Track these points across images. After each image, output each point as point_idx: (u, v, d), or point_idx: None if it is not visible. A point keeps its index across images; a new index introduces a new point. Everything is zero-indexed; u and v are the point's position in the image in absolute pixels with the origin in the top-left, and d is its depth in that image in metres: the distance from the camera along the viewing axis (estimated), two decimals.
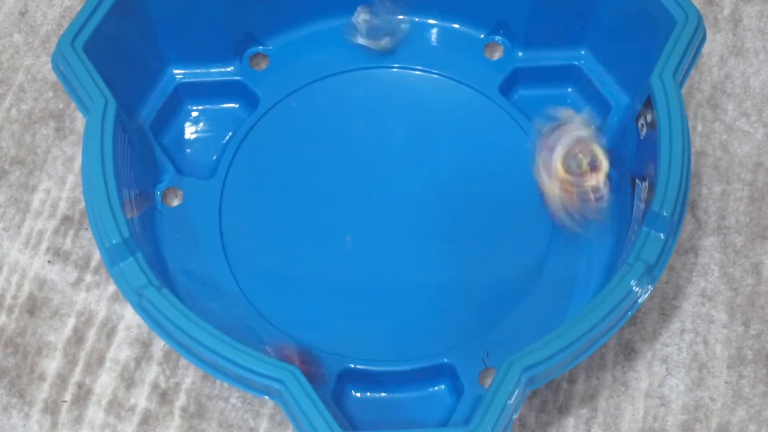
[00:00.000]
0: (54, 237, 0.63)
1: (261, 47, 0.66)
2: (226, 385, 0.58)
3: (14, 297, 0.61)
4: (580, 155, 0.57)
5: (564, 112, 0.59)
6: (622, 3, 0.59)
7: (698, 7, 0.66)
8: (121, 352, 0.59)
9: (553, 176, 0.58)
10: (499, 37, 0.66)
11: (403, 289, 0.59)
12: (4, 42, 0.69)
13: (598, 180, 0.57)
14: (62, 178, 0.64)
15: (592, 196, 0.58)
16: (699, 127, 0.66)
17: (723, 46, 0.69)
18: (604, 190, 0.58)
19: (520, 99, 0.66)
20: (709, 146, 0.65)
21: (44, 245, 0.62)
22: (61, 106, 0.67)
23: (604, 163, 0.57)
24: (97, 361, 0.59)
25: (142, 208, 0.58)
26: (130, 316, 0.60)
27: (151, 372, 0.59)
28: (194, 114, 0.65)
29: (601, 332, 0.49)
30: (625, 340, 0.59)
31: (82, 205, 0.63)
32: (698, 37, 0.56)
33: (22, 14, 0.70)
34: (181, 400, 0.58)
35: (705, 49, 0.68)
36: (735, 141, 0.65)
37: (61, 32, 0.56)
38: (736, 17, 0.70)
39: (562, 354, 0.49)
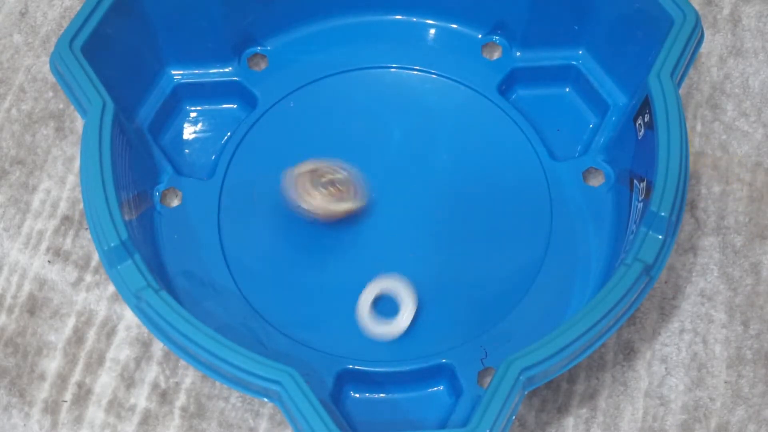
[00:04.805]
0: (54, 237, 0.63)
1: (259, 48, 0.66)
2: (225, 385, 0.58)
3: (14, 297, 0.61)
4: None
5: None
6: (620, 3, 0.59)
7: (697, 7, 0.66)
8: (121, 351, 0.59)
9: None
10: (497, 37, 0.66)
11: None
12: (5, 42, 0.69)
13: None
14: (62, 178, 0.64)
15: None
16: (698, 127, 0.66)
17: (722, 47, 0.69)
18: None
19: (518, 99, 0.66)
20: (709, 146, 0.65)
21: (44, 245, 0.62)
22: (61, 106, 0.67)
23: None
24: (97, 361, 0.59)
25: (141, 209, 0.58)
26: (130, 316, 0.60)
27: (151, 372, 0.59)
28: (193, 114, 0.65)
29: (600, 333, 0.49)
30: (624, 339, 0.59)
31: (83, 205, 0.63)
32: (696, 36, 0.56)
33: (23, 14, 0.70)
34: (181, 399, 0.58)
35: (704, 50, 0.68)
36: (734, 141, 0.65)
37: (61, 32, 0.56)
38: (735, 17, 0.70)
39: (561, 354, 0.49)
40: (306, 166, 0.60)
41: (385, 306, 0.58)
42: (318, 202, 0.59)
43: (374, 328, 0.57)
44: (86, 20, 0.56)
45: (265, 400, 0.49)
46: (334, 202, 0.59)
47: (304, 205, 0.59)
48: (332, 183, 0.60)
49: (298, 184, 0.59)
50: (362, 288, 0.58)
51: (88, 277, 0.61)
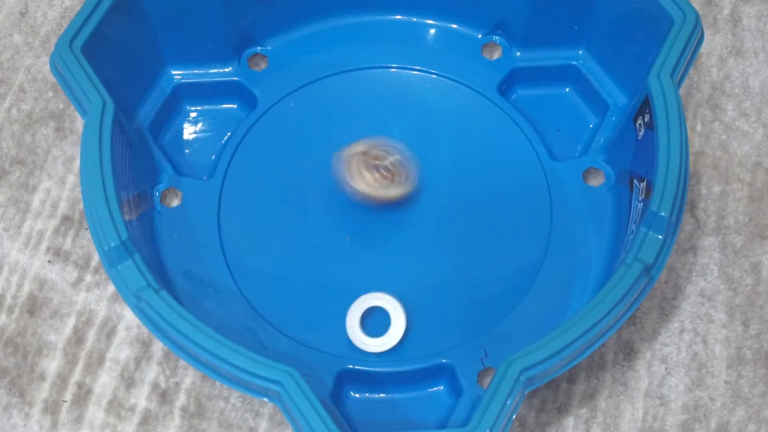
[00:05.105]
0: (54, 237, 0.63)
1: (259, 48, 0.66)
2: (225, 385, 0.58)
3: (14, 297, 0.61)
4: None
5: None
6: (620, 3, 0.59)
7: (697, 7, 0.66)
8: (121, 351, 0.59)
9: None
10: (497, 37, 0.66)
11: (402, 289, 0.59)
12: (5, 42, 0.69)
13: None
14: (62, 178, 0.64)
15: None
16: (698, 127, 0.66)
17: (722, 47, 0.69)
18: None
19: (518, 99, 0.66)
20: (709, 146, 0.65)
21: (44, 245, 0.62)
22: (61, 106, 0.67)
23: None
24: (97, 361, 0.59)
25: (141, 209, 0.58)
26: (130, 316, 0.60)
27: (151, 372, 0.59)
28: (193, 114, 0.65)
29: (600, 333, 0.49)
30: (624, 340, 0.59)
31: (83, 205, 0.63)
32: (696, 36, 0.56)
33: (23, 14, 0.70)
34: (181, 399, 0.58)
35: (704, 50, 0.68)
36: (734, 141, 0.65)
37: (61, 32, 0.56)
38: (735, 17, 0.70)
39: (561, 354, 0.49)
40: (359, 147, 0.60)
41: (375, 317, 0.58)
42: (370, 185, 0.59)
43: (365, 343, 0.57)
44: (86, 20, 0.56)
45: (266, 400, 0.49)
46: (385, 187, 0.59)
47: (355, 187, 0.59)
48: (385, 167, 0.60)
49: (350, 165, 0.59)
50: (362, 288, 0.58)
51: (88, 277, 0.61)
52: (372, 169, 0.59)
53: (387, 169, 0.60)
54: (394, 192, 0.60)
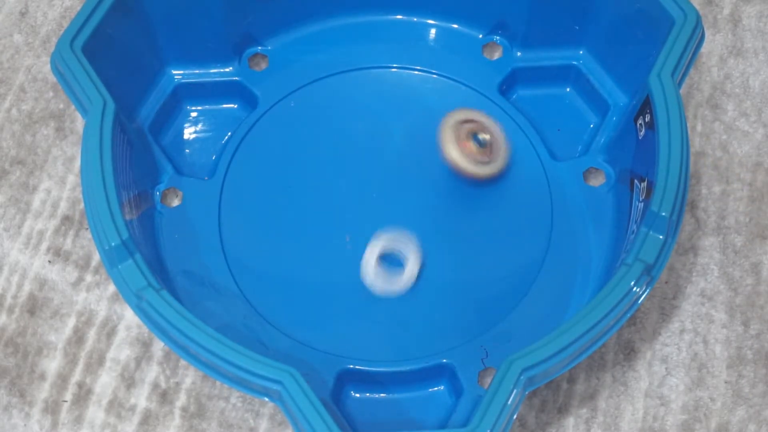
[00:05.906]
0: (54, 237, 0.63)
1: (260, 47, 0.66)
2: (226, 384, 0.58)
3: (15, 297, 0.61)
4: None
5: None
6: (621, 3, 0.59)
7: (698, 7, 0.66)
8: (121, 351, 0.59)
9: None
10: (498, 37, 0.66)
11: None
12: (5, 42, 0.69)
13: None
14: (62, 178, 0.64)
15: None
16: (698, 127, 0.66)
17: (722, 47, 0.69)
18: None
19: (518, 99, 0.66)
20: (709, 146, 0.65)
21: (44, 245, 0.62)
22: (61, 106, 0.67)
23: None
24: (97, 361, 0.59)
25: (142, 208, 0.58)
26: (130, 316, 0.60)
27: (152, 372, 0.59)
28: (193, 114, 0.65)
29: (600, 332, 0.49)
30: (624, 340, 0.59)
31: (83, 205, 0.63)
32: (697, 36, 0.56)
33: (23, 14, 0.70)
34: (181, 399, 0.58)
35: (704, 49, 0.68)
36: (734, 141, 0.65)
37: (62, 32, 0.56)
38: (735, 17, 0.70)
39: (562, 354, 0.49)
40: (459, 115, 0.60)
41: (388, 263, 0.59)
42: (461, 156, 0.59)
43: (381, 284, 0.57)
44: (87, 20, 0.56)
45: (266, 399, 0.49)
46: (475, 163, 0.59)
47: (446, 156, 0.59)
48: (481, 141, 0.60)
49: (445, 132, 0.59)
50: (362, 287, 0.58)
51: (89, 277, 0.61)
52: (466, 140, 0.59)
53: (482, 143, 0.59)
54: (482, 171, 0.60)
